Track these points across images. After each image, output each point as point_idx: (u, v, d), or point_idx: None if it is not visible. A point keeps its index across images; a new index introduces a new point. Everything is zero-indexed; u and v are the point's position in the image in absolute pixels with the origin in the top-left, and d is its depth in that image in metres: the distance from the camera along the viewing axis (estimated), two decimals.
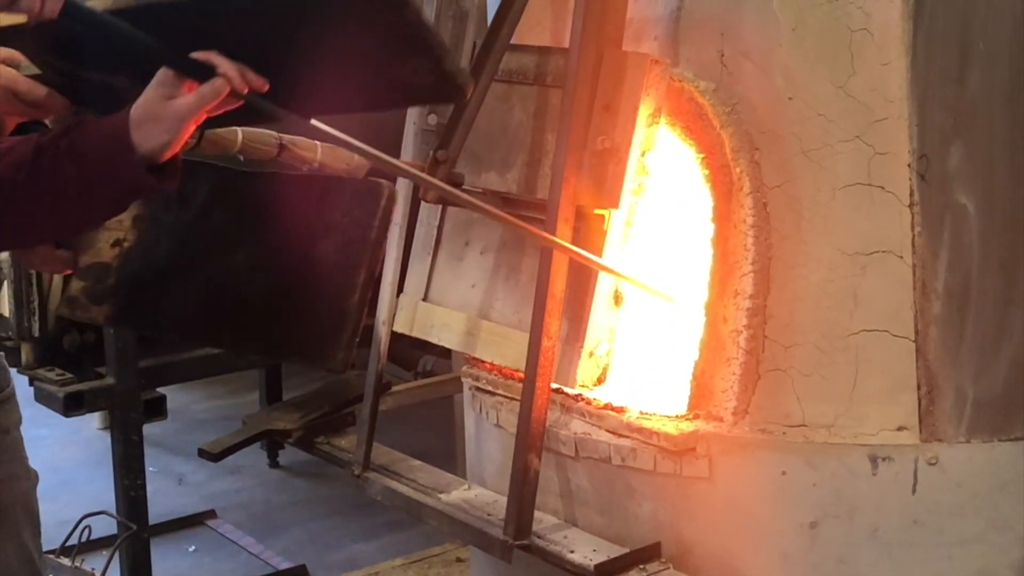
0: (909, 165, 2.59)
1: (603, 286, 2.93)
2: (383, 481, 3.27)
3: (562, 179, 2.86)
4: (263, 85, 2.12)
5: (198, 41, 2.11)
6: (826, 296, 2.68)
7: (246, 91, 2.10)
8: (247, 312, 2.51)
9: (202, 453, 3.54)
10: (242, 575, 5.48)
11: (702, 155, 2.84)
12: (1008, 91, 2.61)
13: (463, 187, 3.08)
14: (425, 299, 3.32)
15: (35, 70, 2.44)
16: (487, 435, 3.22)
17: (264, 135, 2.88)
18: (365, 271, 2.38)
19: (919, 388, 2.63)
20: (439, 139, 3.05)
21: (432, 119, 3.31)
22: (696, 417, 2.78)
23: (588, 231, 2.92)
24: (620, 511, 2.84)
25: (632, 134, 2.86)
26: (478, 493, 3.17)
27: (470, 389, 3.26)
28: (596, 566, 2.72)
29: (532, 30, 3.39)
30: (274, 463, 6.62)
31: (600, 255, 2.90)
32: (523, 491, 2.85)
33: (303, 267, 2.41)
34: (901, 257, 2.62)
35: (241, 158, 2.88)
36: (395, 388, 3.83)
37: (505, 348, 3.09)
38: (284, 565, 5.51)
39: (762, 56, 2.76)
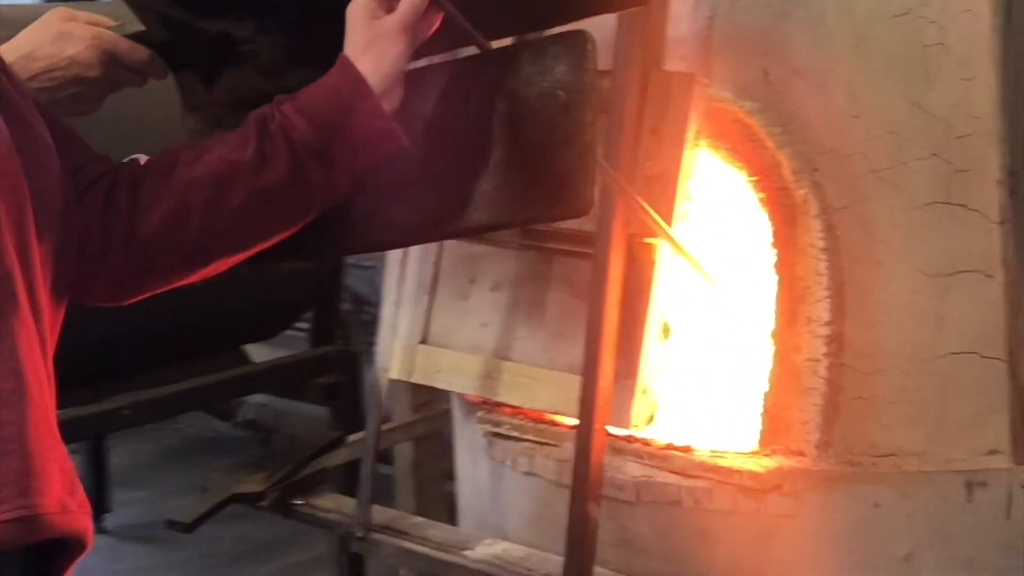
0: (999, 181, 2.53)
1: (653, 318, 2.78)
2: (394, 542, 3.02)
3: (613, 208, 2.69)
4: None
5: None
6: (908, 319, 2.60)
7: None
8: (466, 190, 2.16)
9: (173, 524, 3.20)
10: None
11: (755, 178, 2.73)
12: None
13: None
14: (424, 342, 3.08)
15: (135, 28, 2.20)
16: (511, 484, 3.01)
17: None
18: (589, 110, 2.09)
19: (1012, 410, 2.57)
20: None
21: None
22: (774, 452, 2.66)
23: (638, 261, 2.76)
24: (691, 557, 2.69)
25: (680, 157, 2.72)
26: (506, 548, 2.96)
27: (485, 436, 3.04)
28: None
29: None
30: (100, 528, 6.08)
31: (650, 286, 2.75)
32: (583, 543, 2.66)
33: (516, 131, 2.13)
34: (991, 276, 2.56)
35: None
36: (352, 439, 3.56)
37: (537, 391, 2.89)
38: None
39: (818, 74, 2.67)
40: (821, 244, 2.63)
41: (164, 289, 2.01)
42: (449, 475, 4.48)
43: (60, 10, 2.23)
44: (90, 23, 2.22)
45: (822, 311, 2.63)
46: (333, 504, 3.24)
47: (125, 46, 2.22)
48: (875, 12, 2.61)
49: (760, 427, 2.70)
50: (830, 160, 2.65)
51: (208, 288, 2.11)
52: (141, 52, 2.23)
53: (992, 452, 2.58)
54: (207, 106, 2.30)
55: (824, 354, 2.62)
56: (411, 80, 1.99)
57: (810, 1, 2.67)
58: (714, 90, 2.77)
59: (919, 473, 2.58)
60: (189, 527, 3.19)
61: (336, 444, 3.49)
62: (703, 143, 2.77)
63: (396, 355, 3.12)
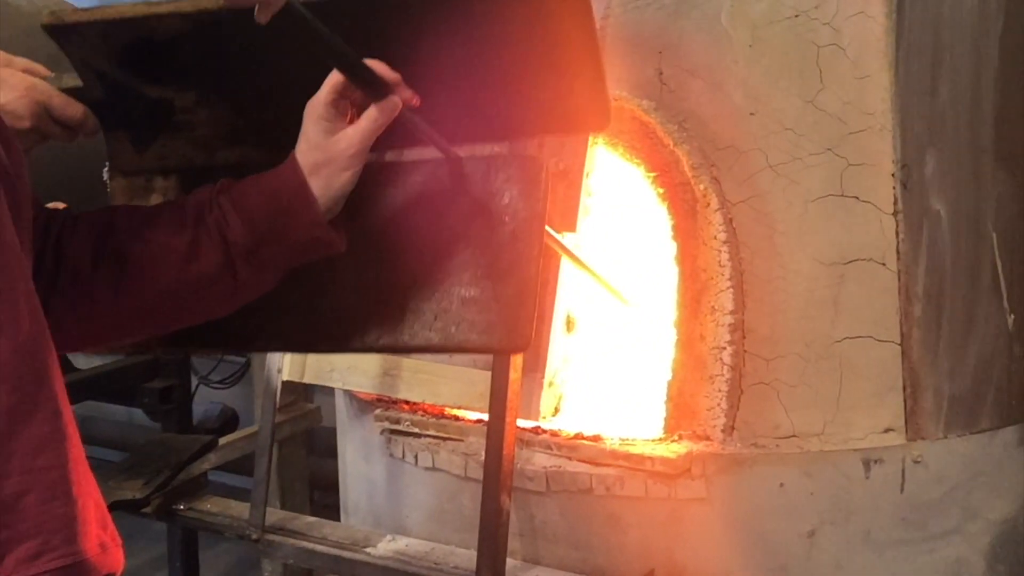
0: (893, 175, 2.67)
1: (558, 312, 2.84)
2: (292, 543, 2.99)
3: None
4: (417, 101, 1.90)
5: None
6: (806, 307, 2.72)
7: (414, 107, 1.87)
8: (400, 305, 2.11)
9: None
10: None
11: (654, 173, 2.81)
12: (970, 100, 2.76)
13: None
14: None
15: (73, 82, 2.10)
16: (411, 480, 3.02)
17: None
18: (536, 244, 2.06)
19: (904, 389, 2.72)
20: None
21: None
22: (682, 438, 2.74)
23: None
24: (601, 543, 2.75)
25: (584, 155, 2.79)
26: (409, 543, 2.97)
27: (383, 433, 3.04)
28: None
29: None
30: None
31: (555, 281, 2.81)
32: (496, 535, 2.70)
33: (459, 248, 2.08)
34: (884, 264, 2.70)
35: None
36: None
37: (439, 386, 2.92)
38: None
39: (714, 73, 2.77)
40: (722, 237, 2.73)
41: (107, 346, 1.99)
42: (312, 477, 4.46)
43: None
44: (26, 71, 2.12)
45: (725, 301, 2.72)
46: (218, 508, 3.18)
47: (59, 100, 2.12)
48: (769, 14, 2.72)
49: (665, 414, 2.78)
50: (728, 156, 2.75)
51: None
52: (75, 108, 2.13)
53: (887, 430, 2.72)
54: (134, 170, 2.24)
55: (728, 342, 2.72)
56: (364, 180, 1.93)
57: (704, 2, 2.76)
58: (610, 89, 2.84)
59: (820, 453, 2.70)
60: None
61: (210, 448, 3.43)
62: (602, 140, 2.85)
63: (288, 356, 3.10)
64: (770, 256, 2.73)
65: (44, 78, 2.11)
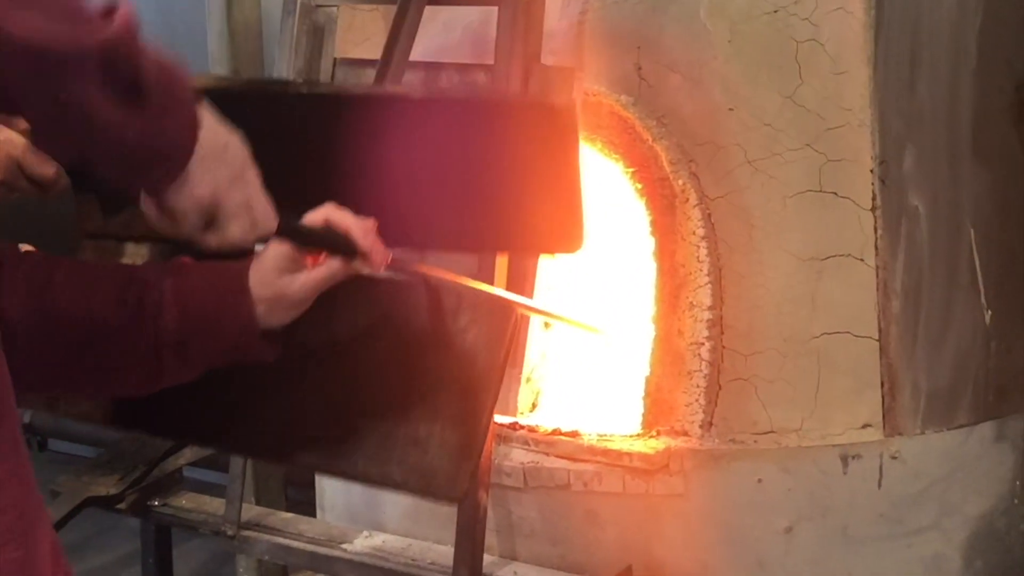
0: (872, 171, 2.68)
1: None
2: (267, 539, 2.97)
3: None
4: (387, 263, 1.86)
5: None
6: (784, 302, 2.72)
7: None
8: (345, 429, 2.08)
9: None
10: None
11: (632, 169, 2.81)
12: (947, 97, 2.77)
13: None
14: None
15: None
16: None
17: None
18: (492, 395, 2.04)
19: (882, 385, 2.72)
20: None
21: None
22: (660, 434, 2.74)
23: None
24: (579, 539, 2.74)
25: None
26: (385, 539, 2.95)
27: None
28: None
29: (360, 45, 3.23)
30: None
31: (533, 275, 2.80)
32: (473, 531, 2.69)
33: (413, 382, 2.06)
34: (862, 259, 2.70)
35: None
36: None
37: None
38: None
39: (693, 68, 2.76)
40: (700, 232, 2.73)
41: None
42: (288, 473, 4.43)
43: None
44: (3, 123, 2.09)
45: (703, 296, 2.72)
46: (193, 504, 3.16)
47: (33, 158, 2.09)
48: (748, 9, 2.72)
49: (643, 410, 2.78)
50: (706, 151, 2.75)
51: None
52: (48, 168, 2.10)
53: (865, 426, 2.72)
54: (101, 234, 2.23)
55: (706, 338, 2.72)
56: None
57: None
58: (588, 84, 2.84)
59: (798, 448, 2.70)
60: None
61: (185, 443, 3.40)
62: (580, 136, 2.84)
63: None
64: (748, 252, 2.73)
65: (21, 131, 2.07)
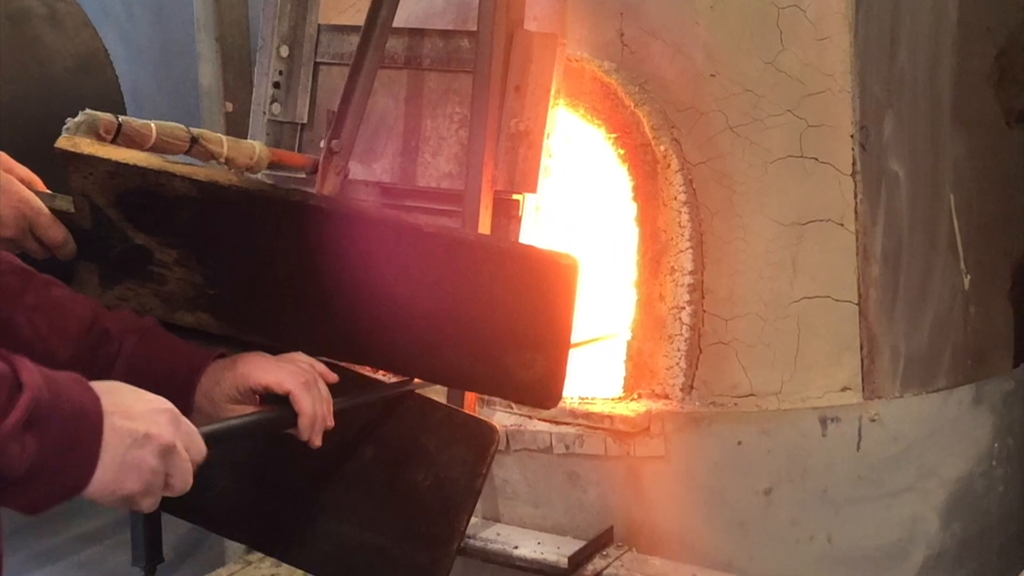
0: (852, 136, 2.69)
1: None
2: None
3: (481, 165, 2.75)
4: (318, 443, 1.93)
5: None
6: (765, 267, 2.74)
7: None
8: (319, 530, 2.21)
9: None
10: None
11: (615, 135, 2.82)
12: (928, 63, 2.78)
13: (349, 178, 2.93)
14: None
15: (65, 205, 2.10)
16: None
17: (176, 129, 2.59)
18: (466, 516, 2.15)
19: (861, 349, 2.75)
20: (331, 129, 2.85)
21: (276, 107, 3.07)
22: (641, 397, 2.77)
23: (503, 216, 2.83)
24: (560, 500, 2.77)
25: (544, 115, 2.80)
26: None
27: None
28: (570, 559, 2.64)
29: (344, 12, 3.25)
30: None
31: (518, 230, 2.82)
32: None
33: (392, 497, 2.17)
34: (842, 224, 2.72)
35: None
36: None
37: None
38: None
39: (675, 35, 2.78)
40: (682, 198, 2.75)
41: None
42: None
43: (2, 155, 2.12)
44: (23, 180, 2.11)
45: (685, 261, 2.74)
46: None
47: (46, 220, 2.10)
48: None
49: (625, 373, 2.80)
50: (688, 117, 2.76)
51: None
52: (58, 232, 2.10)
53: (844, 389, 2.75)
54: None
55: (687, 302, 2.74)
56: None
57: None
58: (571, 50, 2.86)
59: (778, 411, 2.73)
60: None
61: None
62: (563, 101, 2.86)
63: None
64: (729, 217, 2.75)
65: (38, 193, 2.10)
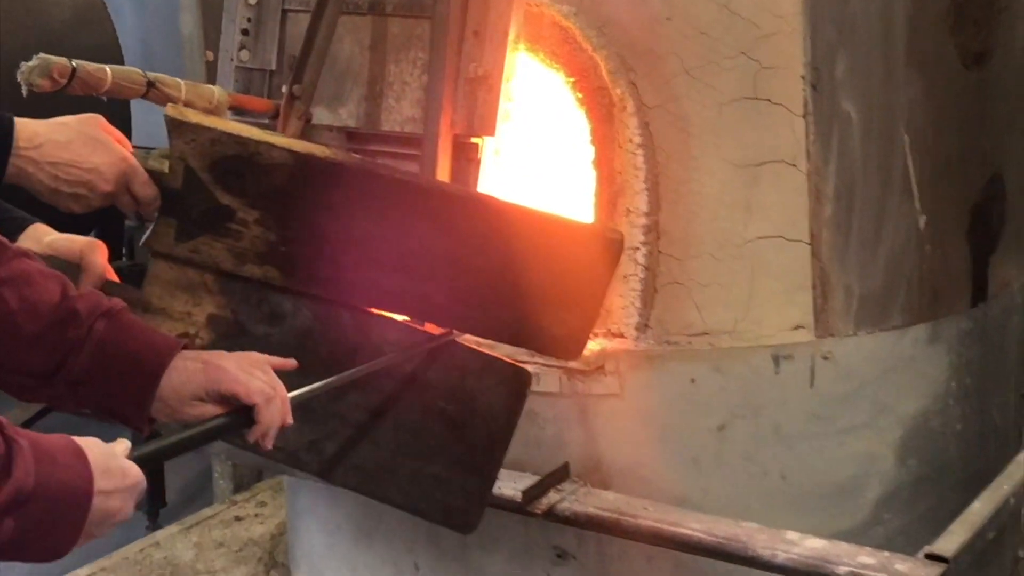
0: (803, 77, 2.72)
1: None
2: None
3: (440, 109, 2.79)
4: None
5: None
6: (719, 208, 2.78)
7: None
8: (367, 454, 2.53)
9: None
10: None
11: (573, 79, 2.86)
12: (882, 4, 2.80)
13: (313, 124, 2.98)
14: None
15: (159, 165, 2.37)
16: None
17: (132, 73, 2.64)
18: (505, 448, 2.52)
19: (814, 288, 2.79)
20: (293, 73, 2.90)
21: (245, 54, 3.12)
22: (597, 336, 2.81)
23: (463, 160, 2.88)
24: (518, 437, 2.76)
25: (503, 60, 2.83)
26: None
27: None
28: (524, 492, 2.70)
29: None
30: None
31: (475, 185, 2.87)
32: None
33: (443, 432, 2.50)
34: (794, 165, 2.75)
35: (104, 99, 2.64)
36: None
37: None
38: None
39: None
40: (638, 140, 2.79)
41: None
42: None
43: (99, 118, 2.36)
44: (119, 142, 2.35)
45: (640, 203, 2.79)
46: None
47: (142, 178, 2.35)
48: None
49: None
50: (645, 61, 2.79)
51: None
52: (152, 190, 2.36)
53: (797, 327, 2.79)
54: (167, 255, 2.46)
55: (642, 243, 2.78)
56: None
57: None
58: None
59: (731, 349, 2.78)
60: None
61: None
62: (522, 46, 2.89)
63: None
64: (685, 159, 2.78)
65: (135, 153, 2.35)
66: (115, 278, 2.46)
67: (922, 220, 2.89)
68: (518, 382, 2.52)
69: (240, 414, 2.00)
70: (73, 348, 1.98)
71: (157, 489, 5.12)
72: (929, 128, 2.89)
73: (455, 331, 2.49)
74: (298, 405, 2.13)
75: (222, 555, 3.61)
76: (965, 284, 3.02)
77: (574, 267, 2.40)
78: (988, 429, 3.12)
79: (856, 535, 2.72)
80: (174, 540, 3.71)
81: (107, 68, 2.58)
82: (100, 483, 1.71)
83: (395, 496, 2.57)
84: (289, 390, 2.12)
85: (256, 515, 3.85)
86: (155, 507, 4.71)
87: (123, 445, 1.83)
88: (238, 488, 4.12)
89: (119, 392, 2.01)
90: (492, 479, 2.54)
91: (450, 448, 2.51)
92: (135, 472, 1.77)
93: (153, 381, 2.00)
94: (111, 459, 1.76)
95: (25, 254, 2.08)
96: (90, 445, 1.73)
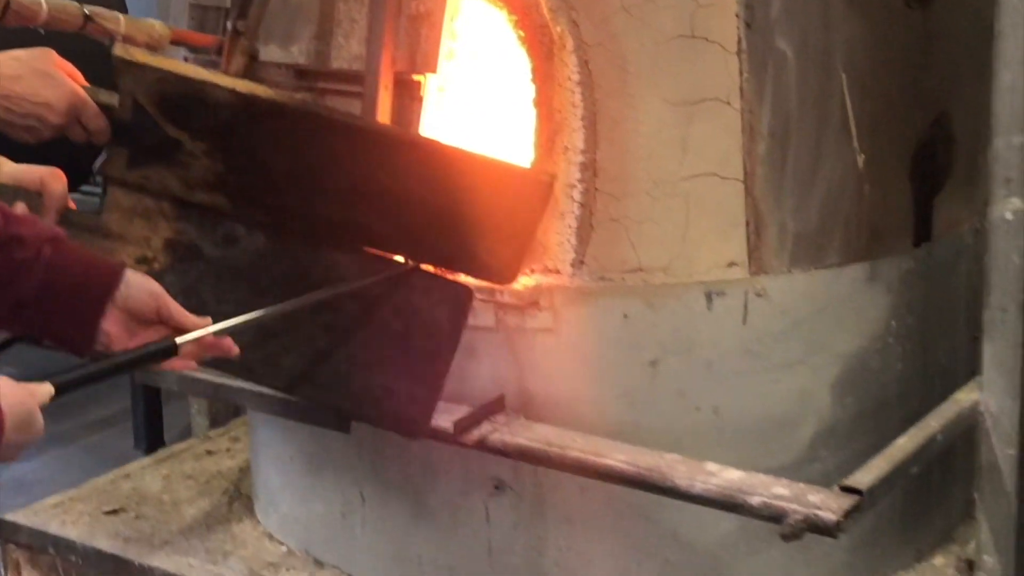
0: (737, 15, 2.74)
1: None
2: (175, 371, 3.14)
3: (381, 45, 2.83)
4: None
5: None
6: (655, 146, 2.80)
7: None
8: (339, 375, 2.72)
9: None
10: None
11: (515, 17, 2.88)
12: None
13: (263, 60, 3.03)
14: None
15: (109, 98, 2.55)
16: None
17: (69, 6, 2.71)
18: (450, 358, 2.73)
19: (748, 225, 2.81)
20: (237, 9, 2.95)
21: None
22: (533, 272, 2.86)
23: (405, 98, 2.92)
24: (456, 371, 2.84)
25: None
26: None
27: None
28: (455, 423, 2.75)
29: None
30: None
31: (418, 122, 2.91)
32: None
33: (392, 344, 2.70)
34: (728, 103, 2.77)
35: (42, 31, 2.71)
36: None
37: None
38: None
39: None
40: (576, 78, 2.81)
41: None
42: None
43: (51, 52, 2.53)
44: (70, 76, 2.51)
45: (577, 140, 2.81)
46: None
47: (92, 111, 2.52)
48: None
49: None
50: None
51: None
52: (101, 122, 2.54)
53: (731, 264, 2.82)
54: (119, 181, 2.63)
55: (579, 180, 2.81)
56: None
57: None
58: None
59: (664, 286, 2.81)
60: None
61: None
62: None
63: None
64: (622, 97, 2.81)
65: (83, 87, 2.51)
66: (73, 206, 2.56)
67: (861, 159, 2.90)
68: (460, 298, 2.72)
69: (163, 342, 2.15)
70: (20, 271, 2.06)
71: (156, 429, 5.23)
72: (869, 68, 2.89)
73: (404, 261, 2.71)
74: (258, 324, 2.33)
75: (189, 487, 3.68)
76: (907, 224, 3.03)
77: (508, 205, 2.64)
78: (933, 370, 3.13)
79: (792, 471, 2.74)
80: (144, 472, 3.79)
81: (43, 1, 2.65)
82: (10, 436, 1.81)
83: (347, 405, 2.77)
84: (250, 308, 2.31)
85: (227, 450, 3.92)
86: (153, 447, 4.80)
87: (46, 388, 1.91)
88: (214, 424, 4.20)
89: (67, 316, 2.10)
90: (438, 388, 2.73)
91: (398, 360, 2.70)
92: (41, 427, 1.87)
93: (101, 305, 2.10)
94: (28, 414, 1.85)
95: None
96: (5, 393, 1.82)
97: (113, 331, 2.14)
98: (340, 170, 2.59)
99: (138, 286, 2.16)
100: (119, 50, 2.51)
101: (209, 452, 3.92)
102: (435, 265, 2.73)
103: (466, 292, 2.73)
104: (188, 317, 2.20)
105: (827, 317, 2.90)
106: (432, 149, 2.67)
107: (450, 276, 2.75)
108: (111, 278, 2.14)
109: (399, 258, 2.75)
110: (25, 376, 1.93)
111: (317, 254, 2.69)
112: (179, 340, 2.13)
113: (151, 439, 5.16)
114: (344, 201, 2.62)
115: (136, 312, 2.15)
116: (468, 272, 2.74)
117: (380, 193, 2.61)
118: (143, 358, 2.13)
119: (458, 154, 2.64)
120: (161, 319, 2.17)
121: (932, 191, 3.06)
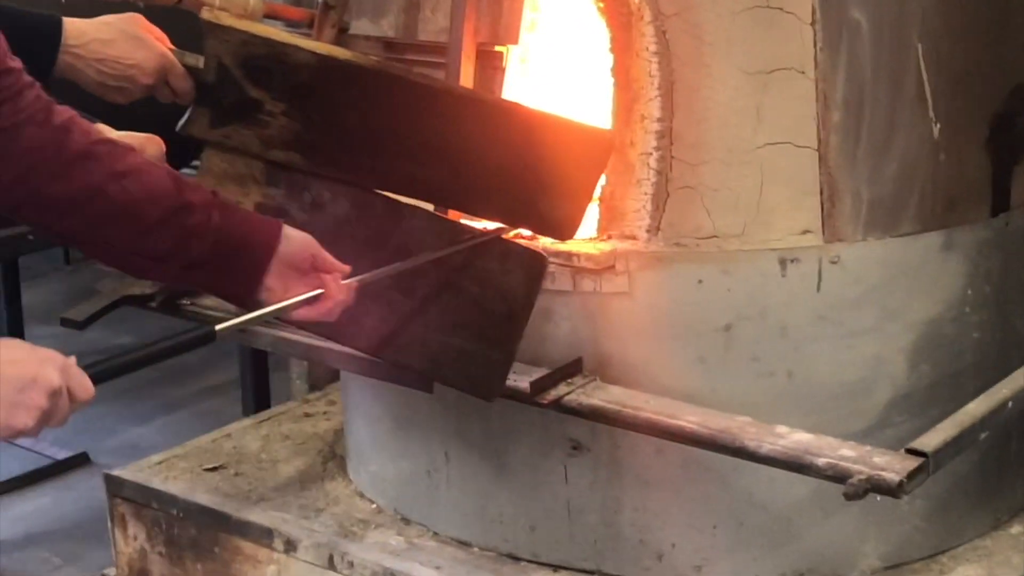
0: None
1: None
2: (271, 333, 3.27)
3: (464, 17, 2.93)
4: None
5: None
6: (730, 115, 2.85)
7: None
8: (400, 328, 2.83)
9: (66, 322, 3.43)
10: (19, 469, 5.29)
11: None
12: None
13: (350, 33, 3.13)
14: None
15: (194, 61, 2.68)
16: None
17: None
18: (524, 323, 2.81)
19: (821, 193, 2.85)
20: None
21: None
22: (610, 238, 2.93)
23: (487, 68, 3.01)
24: (534, 333, 2.93)
25: None
26: None
27: None
28: (532, 384, 2.84)
29: None
30: None
31: (500, 92, 3.00)
32: None
33: (468, 309, 2.80)
34: (803, 72, 2.82)
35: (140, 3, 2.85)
36: None
37: None
38: (63, 454, 5.37)
39: None
40: (653, 48, 2.88)
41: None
42: None
43: (139, 17, 2.70)
44: (158, 39, 2.69)
45: (654, 109, 2.88)
46: (215, 303, 3.47)
47: (179, 72, 2.68)
48: None
49: (598, 216, 2.96)
50: None
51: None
52: (187, 83, 2.69)
53: (805, 232, 2.86)
54: (201, 139, 2.72)
55: (655, 148, 2.88)
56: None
57: None
58: None
59: (738, 252, 2.86)
60: (81, 324, 3.42)
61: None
62: None
63: None
64: (698, 67, 2.86)
65: (170, 49, 2.68)
66: None
67: (936, 128, 2.93)
68: (536, 265, 2.80)
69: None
70: (194, 234, 2.28)
71: (263, 397, 5.39)
72: (945, 37, 2.91)
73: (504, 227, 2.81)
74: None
75: (286, 447, 3.82)
76: (984, 194, 3.05)
77: (569, 161, 2.70)
78: (1011, 339, 3.15)
79: (866, 437, 2.78)
80: (245, 432, 3.94)
81: None
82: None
83: (425, 366, 2.88)
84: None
85: (324, 412, 4.05)
86: (260, 409, 4.96)
87: (63, 359, 1.98)
88: (312, 389, 4.34)
89: (235, 274, 2.34)
90: (512, 352, 2.82)
91: (474, 324, 2.81)
92: (49, 351, 1.96)
93: (266, 262, 2.34)
94: (11, 341, 1.95)
95: (131, 149, 2.38)
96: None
97: (273, 284, 2.36)
98: (410, 127, 2.68)
99: (296, 239, 2.40)
100: (206, 13, 2.62)
101: (307, 415, 4.05)
102: (499, 221, 2.82)
103: (541, 259, 2.80)
104: (337, 263, 2.43)
105: (901, 285, 2.94)
106: (497, 106, 2.79)
107: (524, 241, 2.84)
108: (272, 236, 2.37)
109: (470, 222, 2.87)
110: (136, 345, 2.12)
111: (397, 221, 2.79)
112: (217, 328, 2.26)
113: (258, 406, 5.31)
114: (414, 158, 2.70)
115: (295, 263, 2.38)
116: (529, 227, 2.83)
117: (448, 150, 2.70)
118: (184, 344, 2.27)
119: (522, 111, 2.73)
120: (315, 267, 2.39)
121: (1010, 161, 3.07)
